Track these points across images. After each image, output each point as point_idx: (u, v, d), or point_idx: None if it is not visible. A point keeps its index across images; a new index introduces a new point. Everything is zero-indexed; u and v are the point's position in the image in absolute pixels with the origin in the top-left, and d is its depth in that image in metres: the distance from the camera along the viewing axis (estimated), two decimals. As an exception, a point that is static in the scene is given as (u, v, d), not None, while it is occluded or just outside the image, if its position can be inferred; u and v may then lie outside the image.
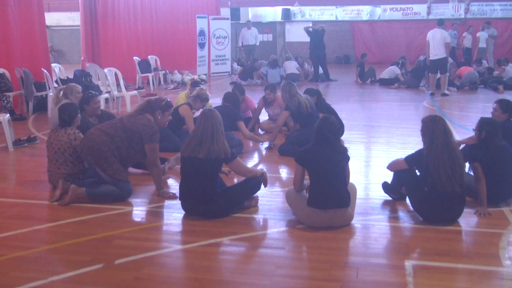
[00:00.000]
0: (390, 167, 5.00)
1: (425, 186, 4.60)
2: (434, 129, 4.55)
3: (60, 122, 5.56)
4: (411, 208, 4.79)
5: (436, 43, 12.98)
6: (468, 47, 19.72)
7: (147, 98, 5.65)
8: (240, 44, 20.43)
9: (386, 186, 5.21)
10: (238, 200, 4.84)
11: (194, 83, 9.34)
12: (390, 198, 5.14)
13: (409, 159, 4.75)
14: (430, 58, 13.19)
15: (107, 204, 5.05)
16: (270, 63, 15.99)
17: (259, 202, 5.03)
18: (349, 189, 4.53)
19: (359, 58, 17.81)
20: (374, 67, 16.99)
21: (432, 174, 4.47)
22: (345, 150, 4.59)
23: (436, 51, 13.02)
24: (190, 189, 4.66)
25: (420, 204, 4.60)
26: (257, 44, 20.18)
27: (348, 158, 4.58)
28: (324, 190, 4.39)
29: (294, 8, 26.46)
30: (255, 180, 4.92)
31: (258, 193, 5.05)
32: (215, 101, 10.62)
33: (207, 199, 4.62)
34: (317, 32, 15.80)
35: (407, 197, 4.94)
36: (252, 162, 6.83)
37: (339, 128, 4.68)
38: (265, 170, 5.05)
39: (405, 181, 4.83)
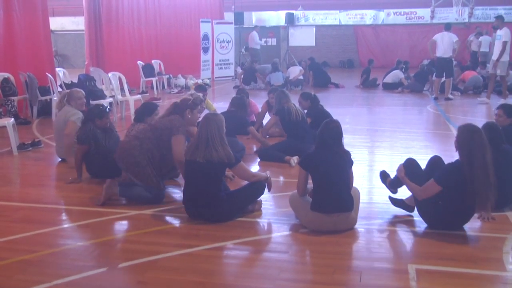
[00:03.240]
0: (421, 195, 4.42)
1: (440, 200, 4.39)
2: (471, 142, 4.24)
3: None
4: (415, 212, 4.77)
5: (445, 44, 12.98)
6: (475, 51, 19.73)
7: (173, 102, 5.68)
8: (252, 46, 20.62)
9: (384, 176, 5.19)
10: (242, 204, 4.85)
11: (198, 88, 9.33)
12: (393, 205, 5.09)
13: (443, 179, 4.29)
14: (438, 55, 13.11)
15: (113, 208, 5.07)
16: (272, 67, 16.10)
17: (263, 206, 5.04)
18: (352, 193, 4.53)
19: (363, 63, 17.82)
20: (378, 72, 16.98)
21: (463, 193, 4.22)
22: (347, 154, 4.58)
23: (446, 51, 12.99)
24: (193, 193, 4.67)
25: (430, 215, 4.49)
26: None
27: (351, 162, 4.58)
28: (327, 195, 4.39)
29: (297, 13, 26.50)
30: (259, 184, 4.92)
31: (262, 197, 5.05)
32: (219, 105, 10.65)
33: (211, 203, 4.63)
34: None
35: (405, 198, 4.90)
36: (255, 166, 6.84)
37: (341, 133, 4.62)
38: (269, 175, 5.05)
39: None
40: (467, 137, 4.28)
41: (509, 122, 5.68)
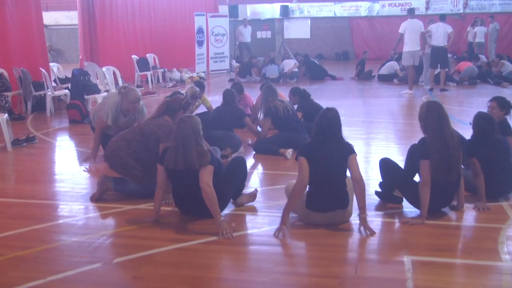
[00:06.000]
0: (426, 182, 4.39)
1: (413, 177, 4.64)
2: (427, 115, 4.54)
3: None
4: (407, 203, 4.77)
5: (440, 34, 12.97)
6: (471, 42, 19.71)
7: (165, 99, 5.44)
8: (237, 42, 20.62)
9: (383, 194, 5.08)
10: (228, 193, 4.63)
11: (197, 84, 9.04)
12: (381, 200, 5.06)
13: (426, 152, 4.43)
14: (434, 44, 13.01)
15: (107, 203, 5.06)
16: (265, 60, 16.11)
17: (258, 199, 5.03)
18: (347, 182, 4.37)
19: (359, 55, 17.81)
20: (373, 64, 16.95)
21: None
22: (345, 147, 4.36)
23: (442, 40, 12.96)
24: (181, 197, 4.57)
25: (413, 195, 4.54)
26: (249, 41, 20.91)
27: (352, 153, 4.33)
28: (322, 193, 4.29)
29: (292, 5, 26.43)
30: (237, 160, 4.87)
31: (257, 192, 5.05)
32: (214, 98, 10.62)
33: (201, 203, 4.35)
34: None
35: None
36: (250, 159, 6.82)
37: (339, 121, 4.43)
38: (258, 189, 4.93)
39: (394, 181, 4.80)
40: (423, 111, 4.61)
41: (503, 114, 5.62)
